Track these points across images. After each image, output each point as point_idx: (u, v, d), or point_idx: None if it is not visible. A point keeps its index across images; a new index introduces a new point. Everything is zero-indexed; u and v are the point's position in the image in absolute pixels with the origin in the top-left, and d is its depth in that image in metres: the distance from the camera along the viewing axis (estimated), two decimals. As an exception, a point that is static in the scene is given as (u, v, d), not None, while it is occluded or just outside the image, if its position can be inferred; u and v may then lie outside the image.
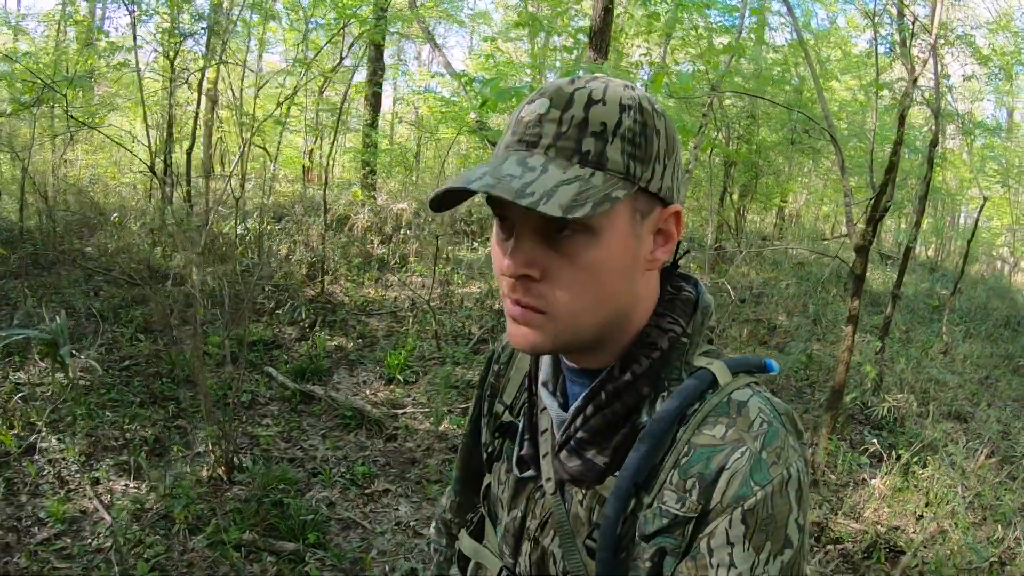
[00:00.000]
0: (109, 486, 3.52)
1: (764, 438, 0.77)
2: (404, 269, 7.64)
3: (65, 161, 8.97)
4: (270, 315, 5.71)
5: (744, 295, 6.71)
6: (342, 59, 8.85)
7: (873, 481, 4.08)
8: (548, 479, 0.90)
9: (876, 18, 7.37)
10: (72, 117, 5.22)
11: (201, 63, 7.49)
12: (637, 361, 0.83)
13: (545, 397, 0.92)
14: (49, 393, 4.34)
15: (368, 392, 4.84)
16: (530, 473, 0.94)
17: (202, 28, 7.15)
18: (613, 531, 0.81)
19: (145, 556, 2.95)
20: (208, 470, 3.55)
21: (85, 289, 6.02)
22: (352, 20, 7.27)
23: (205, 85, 7.65)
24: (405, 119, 13.24)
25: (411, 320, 6.08)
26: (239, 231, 6.51)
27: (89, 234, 7.69)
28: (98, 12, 12.14)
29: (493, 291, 6.88)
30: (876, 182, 5.01)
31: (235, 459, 3.65)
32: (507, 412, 1.03)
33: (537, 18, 5.29)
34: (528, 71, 8.46)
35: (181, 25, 7.35)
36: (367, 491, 3.59)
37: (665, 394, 0.83)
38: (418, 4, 7.66)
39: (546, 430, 0.92)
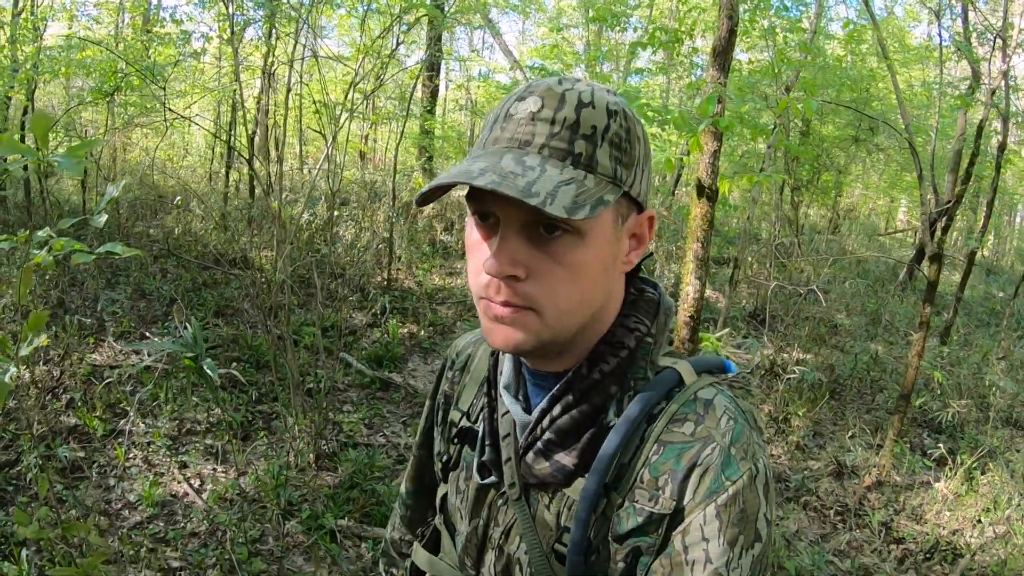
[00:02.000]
0: (197, 470, 3.63)
1: (732, 434, 0.78)
2: (464, 259, 7.62)
3: (125, 146, 9.16)
4: (341, 301, 5.81)
5: (803, 292, 6.66)
6: (398, 44, 8.91)
7: (937, 484, 4.10)
8: (512, 484, 0.89)
9: (939, 14, 7.26)
10: (169, 109, 5.34)
11: (263, 49, 7.60)
12: (605, 360, 0.84)
13: (507, 400, 0.91)
14: (127, 376, 4.48)
15: None
16: (492, 479, 0.92)
17: (262, 16, 7.24)
18: (584, 533, 0.80)
19: (240, 540, 3.05)
20: (295, 455, 3.64)
21: (152, 271, 6.17)
22: (411, 7, 7.32)
23: (267, 71, 7.74)
24: (459, 104, 13.27)
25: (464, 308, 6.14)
26: (306, 216, 6.62)
27: (152, 216, 7.87)
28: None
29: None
30: (937, 181, 4.95)
31: (322, 445, 3.74)
32: (464, 419, 1.02)
33: (614, 12, 5.26)
34: (582, 61, 8.43)
35: (239, 13, 7.46)
36: None
37: (631, 393, 0.83)
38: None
39: (508, 435, 0.91)
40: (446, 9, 8.02)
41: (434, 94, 8.37)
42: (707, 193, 2.37)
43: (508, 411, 0.91)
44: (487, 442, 0.93)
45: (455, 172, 0.74)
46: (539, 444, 0.85)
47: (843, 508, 3.91)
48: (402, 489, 1.22)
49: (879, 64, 8.77)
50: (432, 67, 8.30)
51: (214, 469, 3.64)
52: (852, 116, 7.02)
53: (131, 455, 3.74)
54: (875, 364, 5.85)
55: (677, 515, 0.77)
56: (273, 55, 6.82)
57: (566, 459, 0.83)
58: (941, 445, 4.45)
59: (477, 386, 1.02)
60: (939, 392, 5.28)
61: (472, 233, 0.80)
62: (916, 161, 4.70)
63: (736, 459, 0.77)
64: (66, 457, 3.55)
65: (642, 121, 0.82)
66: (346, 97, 7.12)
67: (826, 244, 8.47)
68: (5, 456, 3.59)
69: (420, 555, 1.07)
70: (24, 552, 2.84)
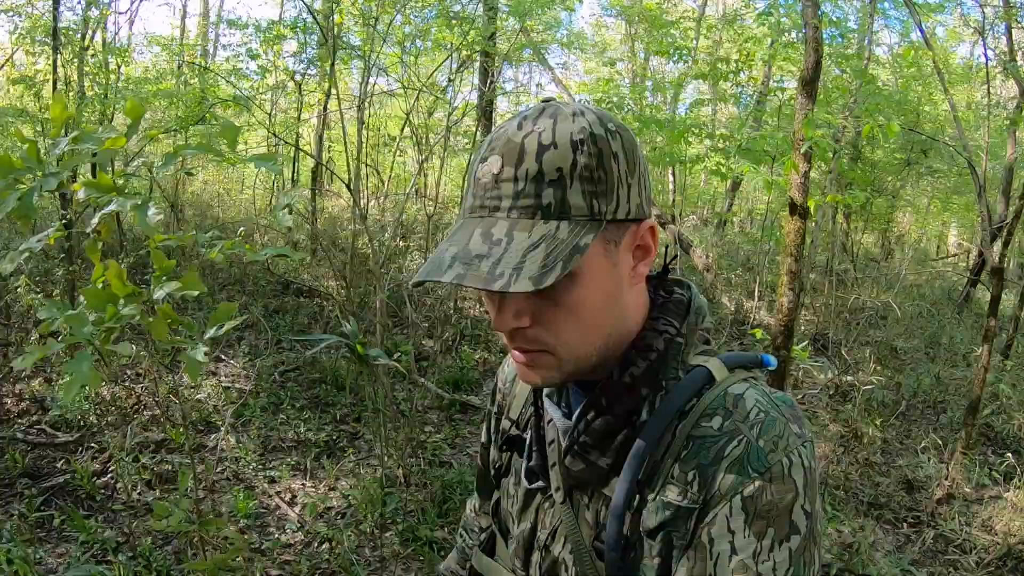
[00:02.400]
0: (286, 484, 3.79)
1: (761, 427, 0.79)
2: None
3: (186, 176, 9.53)
4: (414, 328, 6.00)
5: (861, 317, 6.71)
6: (450, 81, 9.22)
7: (1006, 495, 4.12)
8: (557, 488, 0.92)
9: (983, 33, 7.32)
10: (277, 136, 5.60)
11: (322, 86, 7.94)
12: (635, 364, 0.85)
13: (550, 408, 0.94)
14: (206, 395, 4.68)
15: None
16: (539, 484, 0.95)
17: (319, 55, 7.60)
18: (619, 530, 0.82)
19: (337, 551, 3.18)
20: (382, 472, 3.78)
21: (219, 299, 6.43)
22: (462, 45, 7.60)
23: (321, 107, 8.06)
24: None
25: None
26: (374, 246, 6.86)
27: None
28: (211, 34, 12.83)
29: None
30: (989, 200, 5.01)
31: (410, 463, 3.88)
32: (513, 427, 1.05)
33: (676, 46, 5.44)
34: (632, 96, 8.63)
35: (301, 53, 7.82)
36: None
37: (663, 393, 0.84)
38: (527, 28, 7.91)
39: (553, 441, 0.94)
40: (500, 46, 8.29)
41: (488, 127, 8.60)
42: (799, 211, 2.50)
43: (552, 418, 0.95)
44: (534, 448, 0.97)
45: (428, 266, 0.76)
46: (576, 446, 0.87)
47: (916, 520, 3.95)
48: (476, 481, 1.27)
49: (925, 87, 8.84)
50: (488, 102, 8.55)
51: (303, 484, 3.79)
52: (903, 139, 7.09)
53: (219, 469, 3.91)
54: (938, 384, 5.87)
55: (704, 509, 0.78)
56: (335, 91, 7.12)
57: (601, 460, 0.85)
58: (1009, 455, 4.47)
59: (525, 396, 1.06)
60: (1004, 406, 5.29)
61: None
62: (975, 176, 4.76)
63: (764, 451, 0.77)
64: (153, 470, 3.74)
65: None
66: (401, 131, 7.41)
67: (879, 270, 8.50)
68: (93, 466, 3.79)
69: (481, 560, 1.10)
70: (120, 556, 3.01)
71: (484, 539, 1.14)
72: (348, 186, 4.51)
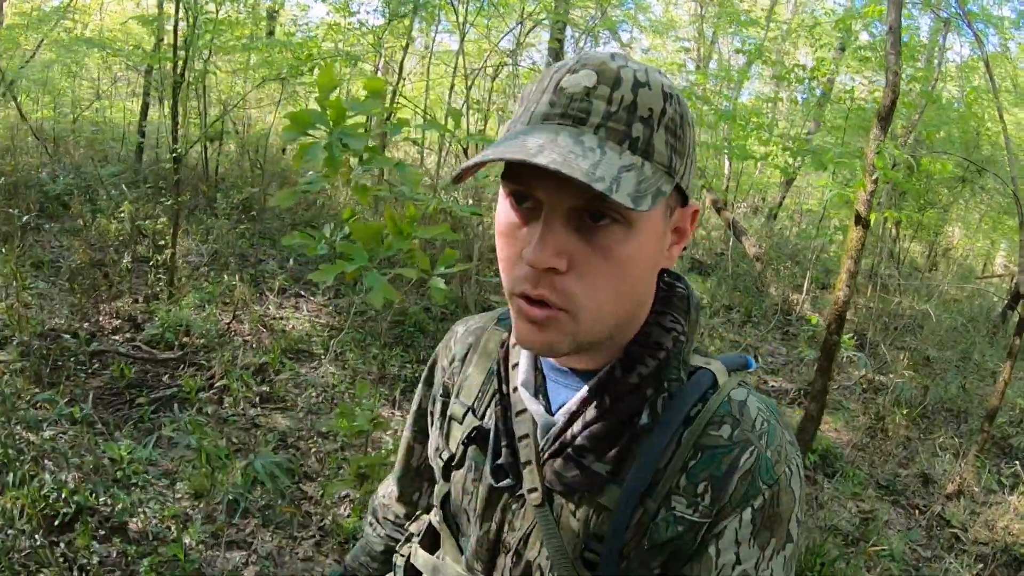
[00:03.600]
0: (379, 412, 4.44)
1: (767, 437, 0.80)
2: None
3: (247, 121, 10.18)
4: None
5: (900, 323, 7.27)
6: (519, 44, 9.76)
7: (1010, 499, 4.72)
8: (533, 489, 0.87)
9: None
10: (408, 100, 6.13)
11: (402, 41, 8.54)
12: (643, 362, 0.82)
13: (527, 400, 0.89)
14: (291, 326, 5.36)
15: None
16: (507, 482, 0.90)
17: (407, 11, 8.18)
18: (621, 542, 0.80)
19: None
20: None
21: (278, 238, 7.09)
22: (532, 13, 8.14)
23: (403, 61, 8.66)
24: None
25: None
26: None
27: (280, 188, 8.87)
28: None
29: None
30: None
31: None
32: (469, 414, 0.98)
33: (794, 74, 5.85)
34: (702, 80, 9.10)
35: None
36: None
37: (666, 396, 0.82)
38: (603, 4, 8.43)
39: (526, 435, 0.89)
40: (572, 15, 8.82)
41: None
42: (863, 222, 3.12)
43: (525, 410, 0.89)
44: (503, 443, 0.90)
45: (507, 146, 0.69)
46: (570, 450, 0.83)
47: (926, 509, 4.59)
48: (396, 468, 1.23)
49: (989, 103, 9.25)
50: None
51: (392, 413, 4.47)
52: (960, 154, 7.55)
53: (317, 396, 4.54)
54: (964, 394, 6.45)
55: (715, 521, 0.79)
56: (411, 46, 7.72)
57: (598, 465, 0.82)
58: (1018, 464, 5.09)
59: (482, 379, 0.99)
60: (1019, 418, 5.90)
61: (508, 216, 0.76)
62: (1019, 207, 5.30)
63: (772, 462, 0.79)
64: (254, 389, 4.38)
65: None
66: (468, 91, 7.97)
67: (922, 280, 9.01)
68: (199, 383, 4.34)
69: (419, 556, 1.06)
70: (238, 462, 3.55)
71: (419, 532, 1.10)
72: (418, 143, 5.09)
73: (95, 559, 2.71)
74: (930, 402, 6.06)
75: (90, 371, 4.26)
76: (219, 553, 2.94)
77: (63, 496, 2.92)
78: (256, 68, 7.63)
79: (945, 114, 7.58)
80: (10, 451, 3.07)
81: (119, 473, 3.20)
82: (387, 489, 1.24)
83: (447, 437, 1.01)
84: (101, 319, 4.98)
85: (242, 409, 4.14)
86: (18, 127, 11.22)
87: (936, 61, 8.69)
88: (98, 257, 5.76)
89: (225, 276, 5.77)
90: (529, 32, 9.63)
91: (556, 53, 8.81)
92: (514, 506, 0.90)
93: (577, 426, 0.83)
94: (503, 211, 0.77)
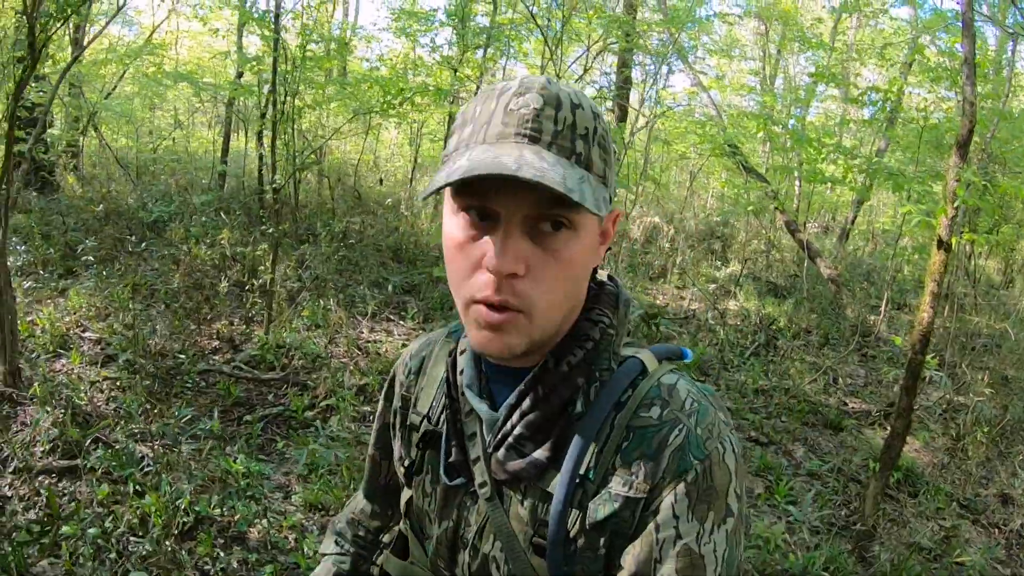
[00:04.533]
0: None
1: (697, 416, 0.86)
2: (662, 280, 8.82)
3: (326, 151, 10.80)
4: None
5: (977, 343, 7.40)
6: (586, 70, 10.18)
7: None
8: (483, 483, 0.93)
9: None
10: None
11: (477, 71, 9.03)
12: (572, 352, 0.89)
13: (472, 399, 0.94)
14: (384, 350, 5.78)
15: None
16: (460, 480, 0.96)
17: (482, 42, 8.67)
18: (563, 524, 0.86)
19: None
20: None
21: (373, 267, 7.58)
22: (600, 39, 8.53)
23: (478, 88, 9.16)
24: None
25: (696, 328, 7.17)
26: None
27: (358, 211, 9.43)
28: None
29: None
30: None
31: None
32: (424, 421, 1.05)
33: (832, 72, 6.22)
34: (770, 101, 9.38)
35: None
36: None
37: (597, 384, 0.89)
38: (673, 32, 8.78)
39: (474, 434, 0.95)
40: (641, 41, 9.19)
41: (622, 119, 9.52)
42: (945, 246, 3.41)
43: (472, 410, 0.96)
44: (452, 443, 0.97)
45: (482, 162, 0.75)
46: (510, 439, 0.89)
47: (1006, 527, 4.75)
48: (360, 490, 1.29)
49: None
50: (620, 95, 9.47)
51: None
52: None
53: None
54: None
55: (649, 497, 0.84)
56: (485, 73, 8.19)
57: (538, 453, 0.88)
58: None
59: (435, 387, 1.06)
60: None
61: (463, 230, 0.82)
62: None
63: (702, 438, 0.84)
64: (358, 408, 4.68)
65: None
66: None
67: (999, 298, 9.08)
68: (304, 402, 4.68)
69: (391, 563, 1.12)
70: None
71: (390, 541, 1.18)
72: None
73: (219, 565, 2.97)
74: (1009, 422, 6.20)
75: (197, 389, 4.65)
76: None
77: (182, 506, 3.19)
78: (335, 99, 8.17)
79: (1017, 126, 7.71)
80: (126, 462, 3.43)
81: (236, 486, 3.48)
82: (356, 507, 1.28)
83: (407, 445, 1.09)
84: (201, 340, 5.40)
85: (348, 427, 4.42)
86: (100, 156, 12.04)
87: (1005, 72, 8.81)
88: (195, 281, 6.26)
89: (320, 301, 6.24)
90: (596, 58, 10.04)
91: (625, 80, 9.19)
92: (468, 503, 0.97)
93: (515, 417, 0.89)
94: (457, 226, 0.83)
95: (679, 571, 0.81)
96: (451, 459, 0.97)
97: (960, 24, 3.59)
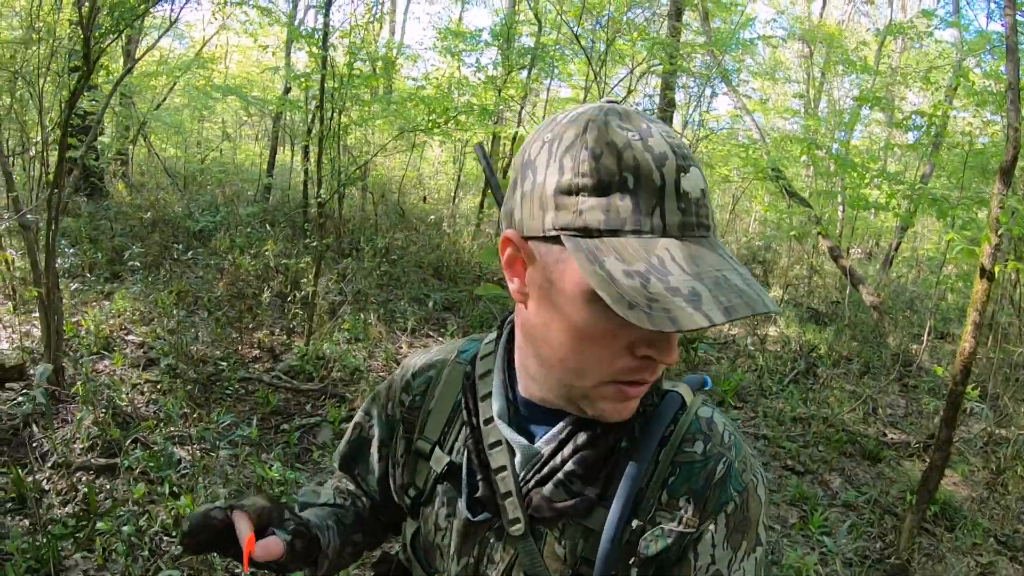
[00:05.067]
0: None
1: (735, 449, 0.89)
2: None
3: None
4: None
5: (1021, 374, 7.21)
6: (629, 92, 10.22)
7: None
8: (516, 520, 0.90)
9: None
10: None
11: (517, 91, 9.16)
12: None
13: (506, 431, 0.92)
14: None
15: None
16: (484, 516, 0.93)
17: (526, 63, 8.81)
18: (613, 561, 0.86)
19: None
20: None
21: (410, 283, 7.67)
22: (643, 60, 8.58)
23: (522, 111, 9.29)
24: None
25: (735, 354, 7.13)
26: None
27: (401, 227, 9.55)
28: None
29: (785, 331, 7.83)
30: None
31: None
32: (436, 449, 1.02)
33: (877, 96, 6.19)
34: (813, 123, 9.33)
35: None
36: None
37: (641, 420, 0.89)
38: (716, 54, 8.80)
39: (503, 467, 0.92)
40: (683, 63, 9.23)
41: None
42: (988, 275, 3.36)
43: (499, 442, 0.93)
44: (478, 477, 0.93)
45: (733, 302, 0.69)
46: (560, 475, 0.87)
47: (1057, 566, 4.63)
48: (340, 460, 1.24)
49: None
50: (663, 117, 9.51)
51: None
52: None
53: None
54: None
55: (698, 531, 0.86)
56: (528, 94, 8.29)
57: (588, 490, 0.87)
58: None
59: (447, 413, 1.03)
60: None
61: (604, 322, 0.75)
62: None
63: (739, 472, 0.88)
64: None
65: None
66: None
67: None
68: (341, 413, 4.66)
69: None
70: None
71: (386, 572, 1.15)
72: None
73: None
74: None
75: (237, 397, 4.73)
76: (365, 573, 3.21)
77: None
78: (381, 117, 8.32)
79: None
80: (163, 463, 3.50)
81: (271, 492, 3.51)
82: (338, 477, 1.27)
83: (413, 473, 1.05)
84: (242, 349, 5.50)
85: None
86: (149, 164, 12.36)
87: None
88: (239, 291, 6.39)
89: (361, 314, 6.33)
90: (640, 79, 10.08)
91: (669, 102, 9.21)
92: (492, 539, 0.94)
93: (567, 452, 0.88)
94: (590, 316, 0.76)
95: None
96: (480, 494, 0.93)
97: (1004, 47, 3.55)
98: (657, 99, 9.91)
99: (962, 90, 6.65)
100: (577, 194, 0.73)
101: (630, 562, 0.86)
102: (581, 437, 0.87)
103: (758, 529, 0.87)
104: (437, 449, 1.01)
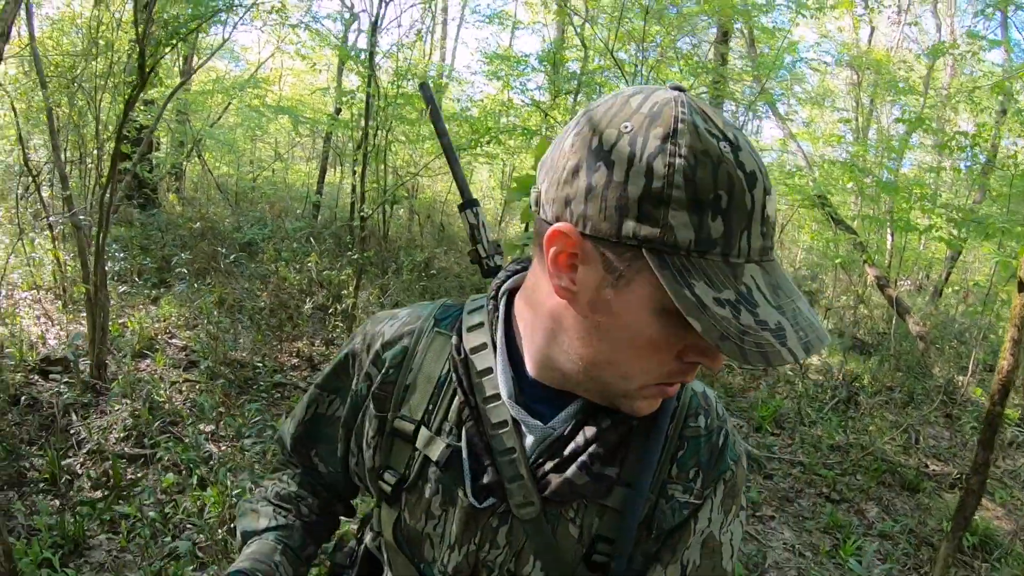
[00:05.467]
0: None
1: (727, 421, 0.95)
2: None
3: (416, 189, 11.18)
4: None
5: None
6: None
7: None
8: (527, 503, 0.87)
9: None
10: None
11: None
12: None
13: (518, 413, 0.88)
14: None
15: (740, 435, 5.61)
16: (491, 502, 0.90)
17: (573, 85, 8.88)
18: (633, 538, 0.88)
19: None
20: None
21: (450, 295, 7.73)
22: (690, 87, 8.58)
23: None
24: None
25: (774, 381, 7.05)
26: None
27: (443, 245, 9.67)
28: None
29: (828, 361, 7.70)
30: None
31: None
32: (421, 429, 0.95)
33: (923, 118, 6.07)
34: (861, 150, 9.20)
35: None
36: (756, 514, 4.45)
37: None
38: (760, 78, 8.76)
39: (510, 449, 0.88)
40: (731, 87, 9.20)
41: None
42: (1026, 288, 3.28)
43: (506, 423, 0.88)
44: (486, 462, 0.89)
45: (805, 338, 0.70)
46: (584, 457, 0.85)
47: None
48: (289, 480, 1.17)
49: None
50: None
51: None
52: None
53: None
54: None
55: (704, 499, 0.91)
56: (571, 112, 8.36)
57: (609, 470, 0.87)
58: None
59: (431, 389, 0.96)
60: None
61: (662, 331, 0.74)
62: None
63: (733, 442, 0.94)
64: None
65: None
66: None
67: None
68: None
69: None
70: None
71: (350, 564, 1.12)
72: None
73: None
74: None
75: (271, 400, 4.83)
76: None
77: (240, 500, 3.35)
78: (428, 138, 8.46)
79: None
80: (194, 456, 3.61)
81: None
82: (286, 489, 1.17)
83: (388, 455, 0.98)
84: (281, 356, 5.61)
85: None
86: (202, 180, 12.70)
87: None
88: (281, 301, 6.53)
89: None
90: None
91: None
92: (495, 524, 0.90)
93: (589, 433, 0.85)
94: (659, 326, 0.74)
95: (702, 555, 0.90)
96: (485, 479, 0.89)
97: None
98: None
99: (1011, 113, 6.52)
100: (668, 206, 0.69)
101: (649, 535, 0.89)
102: (603, 419, 0.86)
103: (743, 495, 0.94)
104: (423, 429, 0.94)
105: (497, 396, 0.89)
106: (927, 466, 5.61)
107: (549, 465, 0.86)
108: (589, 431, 0.85)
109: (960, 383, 7.26)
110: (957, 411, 6.77)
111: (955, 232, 6.40)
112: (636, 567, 0.90)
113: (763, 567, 3.89)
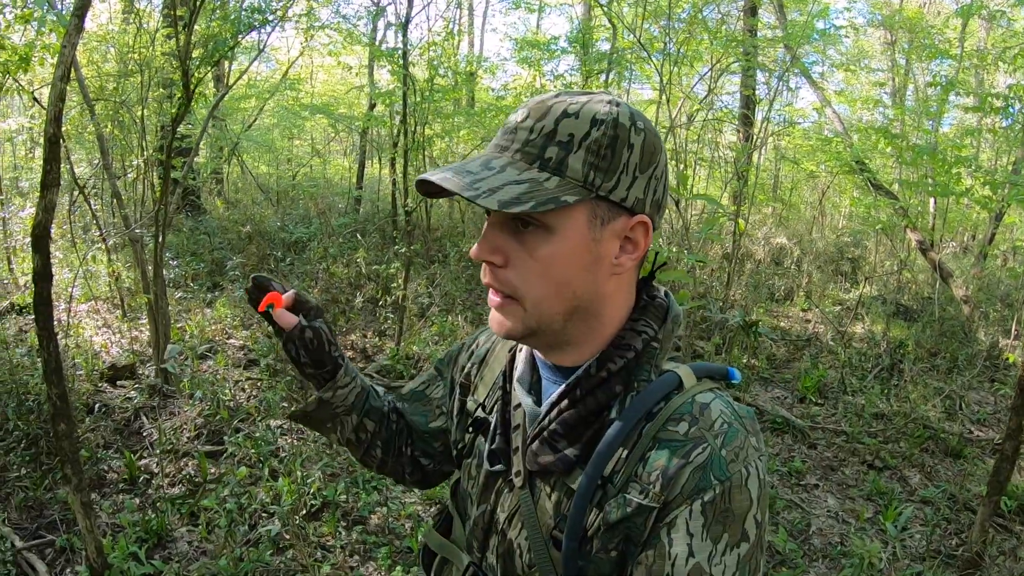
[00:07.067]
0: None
1: (724, 437, 0.87)
2: (788, 302, 8.77)
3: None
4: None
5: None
6: (710, 91, 10.25)
7: None
8: (518, 472, 0.99)
9: None
10: None
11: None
12: (612, 360, 0.93)
13: (520, 393, 1.02)
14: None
15: (784, 406, 5.81)
16: (500, 467, 1.03)
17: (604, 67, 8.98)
18: (580, 522, 0.90)
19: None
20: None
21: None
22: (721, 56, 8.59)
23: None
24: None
25: (817, 351, 7.13)
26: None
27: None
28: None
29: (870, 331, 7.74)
30: None
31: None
32: (480, 409, 1.13)
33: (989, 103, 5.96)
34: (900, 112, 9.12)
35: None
36: (801, 483, 4.59)
37: (634, 393, 0.93)
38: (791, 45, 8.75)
39: (518, 426, 1.02)
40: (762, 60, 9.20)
41: (747, 138, 9.54)
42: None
43: (520, 403, 1.03)
44: (498, 432, 1.05)
45: (429, 173, 0.88)
46: (545, 434, 0.95)
47: None
48: (411, 387, 1.34)
49: None
50: (746, 119, 9.50)
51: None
52: None
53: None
54: None
55: (664, 509, 0.86)
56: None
57: (569, 450, 0.93)
58: None
59: (493, 380, 1.14)
60: None
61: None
62: None
63: (726, 461, 0.86)
64: None
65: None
66: (665, 139, 8.55)
67: None
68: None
69: (433, 537, 1.20)
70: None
71: (436, 517, 1.24)
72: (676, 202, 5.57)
73: (339, 542, 3.36)
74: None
75: (333, 394, 5.12)
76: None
77: (311, 490, 3.62)
78: (464, 127, 8.63)
79: None
80: (264, 451, 3.86)
81: (362, 476, 3.90)
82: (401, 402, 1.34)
83: (461, 430, 1.18)
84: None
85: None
86: (243, 182, 13.05)
87: None
88: (332, 296, 6.82)
89: (449, 316, 6.63)
90: (719, 78, 10.07)
91: (747, 99, 9.22)
92: (504, 490, 1.03)
93: (554, 413, 0.95)
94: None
95: None
96: (495, 446, 1.04)
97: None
98: (738, 96, 9.90)
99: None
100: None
101: (600, 526, 0.90)
102: (564, 402, 0.94)
103: (744, 524, 0.85)
104: (480, 410, 1.13)
105: (521, 382, 1.04)
106: (970, 432, 5.67)
107: (529, 439, 0.98)
108: (554, 412, 0.95)
109: (1005, 347, 7.26)
110: (1000, 375, 6.80)
111: (990, 194, 6.39)
112: (593, 557, 0.91)
113: (807, 533, 4.02)
